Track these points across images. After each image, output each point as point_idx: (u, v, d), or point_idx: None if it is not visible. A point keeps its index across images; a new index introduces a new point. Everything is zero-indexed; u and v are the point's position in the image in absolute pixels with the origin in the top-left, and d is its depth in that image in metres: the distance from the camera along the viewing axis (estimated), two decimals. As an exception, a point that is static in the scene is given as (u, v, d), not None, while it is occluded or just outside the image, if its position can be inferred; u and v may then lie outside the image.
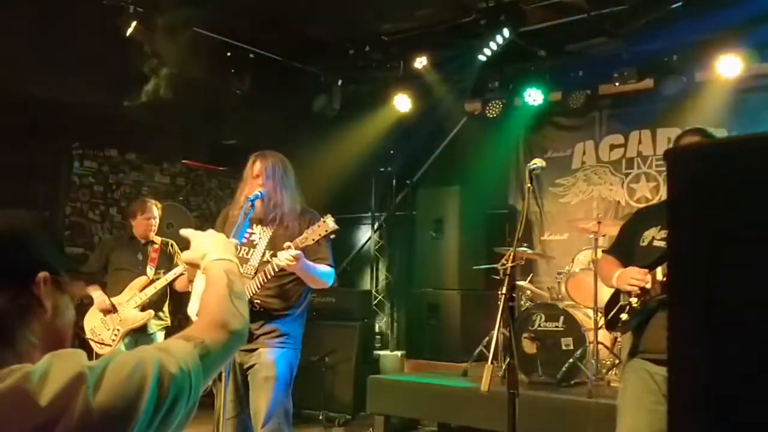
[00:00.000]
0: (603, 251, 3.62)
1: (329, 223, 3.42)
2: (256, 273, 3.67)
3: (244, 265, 3.69)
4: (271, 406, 3.69)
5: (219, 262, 1.64)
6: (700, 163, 0.82)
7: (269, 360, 3.71)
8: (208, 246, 1.69)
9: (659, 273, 3.09)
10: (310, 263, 3.60)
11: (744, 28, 6.10)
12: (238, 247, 3.63)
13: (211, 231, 1.79)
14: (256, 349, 3.73)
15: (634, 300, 3.20)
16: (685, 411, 0.82)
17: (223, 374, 4.20)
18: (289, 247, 3.44)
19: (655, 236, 3.21)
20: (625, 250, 3.37)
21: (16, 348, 1.24)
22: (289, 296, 3.77)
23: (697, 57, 6.45)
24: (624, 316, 3.24)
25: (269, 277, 3.56)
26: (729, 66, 6.26)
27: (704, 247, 0.79)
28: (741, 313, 0.79)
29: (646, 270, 3.13)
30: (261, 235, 3.79)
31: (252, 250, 3.78)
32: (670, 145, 5.49)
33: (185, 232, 1.82)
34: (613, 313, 3.33)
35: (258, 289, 3.61)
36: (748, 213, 0.77)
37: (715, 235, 0.79)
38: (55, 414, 1.09)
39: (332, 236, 3.50)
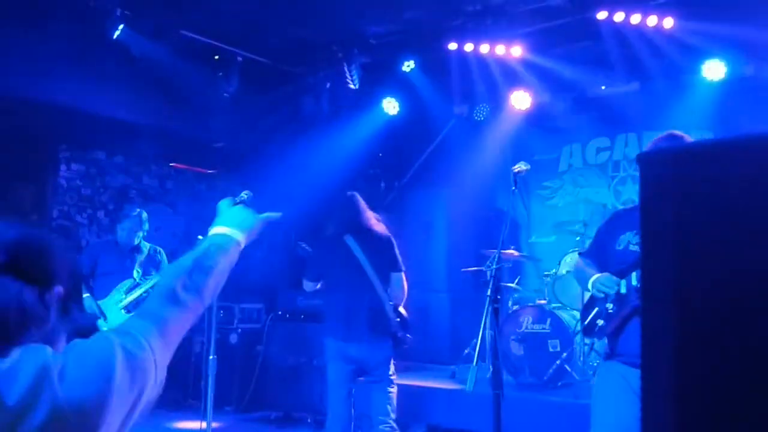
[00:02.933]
0: (579, 253, 3.62)
1: None
2: None
3: None
4: None
5: (215, 236, 1.62)
6: (670, 167, 0.84)
7: None
8: (222, 220, 1.68)
9: (634, 279, 3.09)
10: None
11: (729, 31, 6.16)
12: None
13: (239, 206, 1.75)
14: None
15: (609, 306, 3.20)
16: (657, 404, 0.84)
17: (210, 375, 4.21)
18: None
19: (630, 241, 3.21)
20: (601, 252, 3.36)
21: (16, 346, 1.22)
22: None
23: (682, 60, 6.51)
24: (600, 322, 3.25)
25: None
26: (714, 69, 6.32)
27: (673, 249, 0.81)
28: (708, 313, 0.81)
29: (618, 279, 3.14)
30: None
31: None
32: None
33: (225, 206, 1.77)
34: (589, 318, 3.34)
35: None
36: (714, 215, 0.79)
37: (683, 237, 0.81)
38: (22, 411, 1.07)
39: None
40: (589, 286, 3.27)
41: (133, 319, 1.34)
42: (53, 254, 1.31)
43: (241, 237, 1.65)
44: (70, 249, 1.40)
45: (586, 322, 3.37)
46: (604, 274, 3.20)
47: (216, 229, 1.65)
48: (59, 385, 1.10)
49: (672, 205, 0.82)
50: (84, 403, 1.11)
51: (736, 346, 0.79)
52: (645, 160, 0.89)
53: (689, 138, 3.35)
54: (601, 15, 6.08)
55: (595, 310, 3.31)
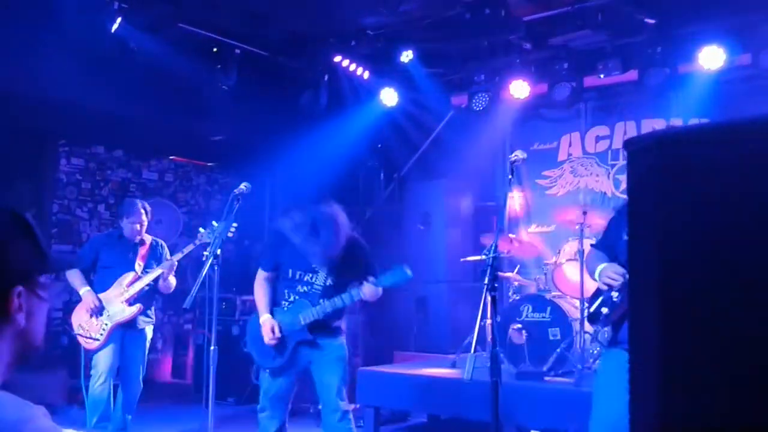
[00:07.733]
0: (591, 245, 3.70)
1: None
2: (321, 294, 4.30)
3: (310, 289, 4.31)
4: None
5: None
6: (656, 150, 0.85)
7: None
8: None
9: None
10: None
11: (726, 20, 6.15)
12: (300, 275, 4.33)
13: None
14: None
15: (614, 294, 3.25)
16: (643, 388, 0.85)
17: (212, 367, 4.23)
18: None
19: None
20: (611, 244, 3.41)
21: None
22: None
23: (680, 48, 6.50)
24: (605, 310, 3.31)
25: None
26: (711, 57, 6.31)
27: (658, 233, 0.83)
28: (693, 304, 0.82)
29: (624, 270, 3.18)
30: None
31: (315, 275, 4.34)
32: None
33: None
34: (595, 306, 3.39)
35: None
36: (700, 200, 0.80)
37: (669, 222, 0.83)
38: None
39: None
40: (596, 276, 3.33)
41: None
42: (7, 251, 1.26)
43: None
44: (18, 227, 1.31)
45: (591, 310, 3.42)
46: (611, 264, 3.26)
47: None
48: None
49: (658, 189, 0.83)
50: None
51: (720, 332, 0.81)
52: (632, 145, 0.90)
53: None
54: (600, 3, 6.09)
55: (600, 298, 3.36)
